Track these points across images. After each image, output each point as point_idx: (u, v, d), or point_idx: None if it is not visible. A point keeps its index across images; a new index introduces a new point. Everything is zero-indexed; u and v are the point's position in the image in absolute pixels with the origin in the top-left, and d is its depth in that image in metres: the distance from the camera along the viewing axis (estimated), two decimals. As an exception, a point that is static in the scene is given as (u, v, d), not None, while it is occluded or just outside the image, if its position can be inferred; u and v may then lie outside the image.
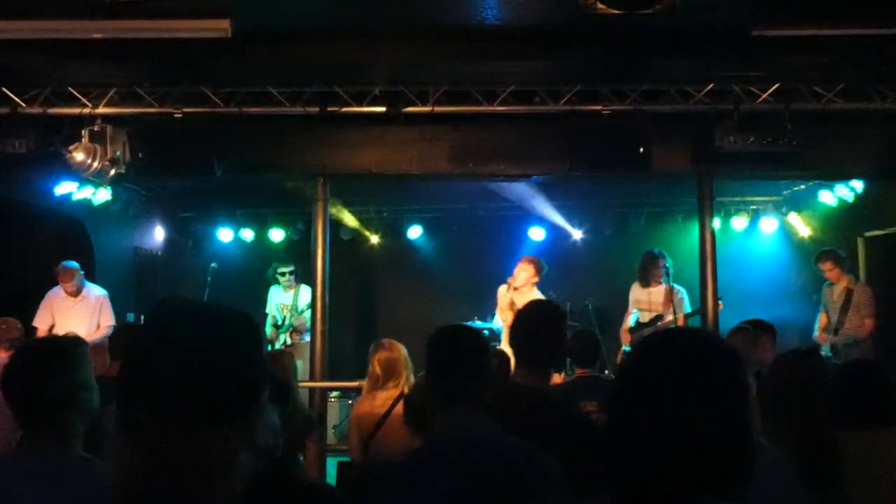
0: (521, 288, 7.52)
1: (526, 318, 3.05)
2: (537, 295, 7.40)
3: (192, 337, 1.21)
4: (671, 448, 1.22)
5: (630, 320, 8.01)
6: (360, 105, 6.82)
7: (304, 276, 8.48)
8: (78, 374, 2.28)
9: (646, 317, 7.80)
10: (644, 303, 7.88)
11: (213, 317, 1.27)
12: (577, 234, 10.52)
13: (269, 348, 8.88)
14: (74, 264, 7.38)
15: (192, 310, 1.30)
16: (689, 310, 7.74)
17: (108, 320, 7.45)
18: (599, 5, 4.39)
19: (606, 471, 1.31)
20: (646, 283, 7.88)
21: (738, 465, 1.25)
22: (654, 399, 1.26)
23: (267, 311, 9.20)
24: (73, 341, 2.44)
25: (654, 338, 1.41)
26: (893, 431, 2.75)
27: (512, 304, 7.33)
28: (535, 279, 7.56)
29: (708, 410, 1.24)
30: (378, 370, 4.56)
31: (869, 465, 2.67)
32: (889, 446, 2.70)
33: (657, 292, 7.80)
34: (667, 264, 7.76)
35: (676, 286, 7.79)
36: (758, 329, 5.13)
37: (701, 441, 1.22)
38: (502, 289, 7.72)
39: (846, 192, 8.42)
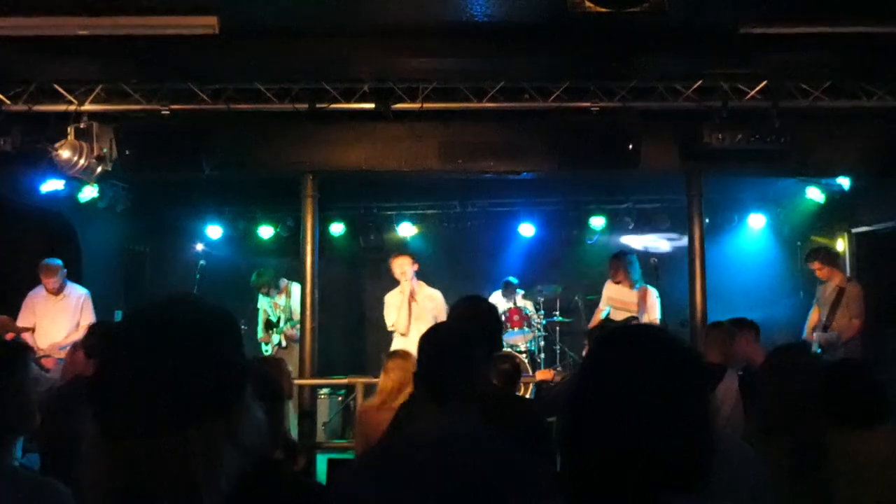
0: (411, 281, 7.11)
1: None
2: (431, 287, 7.19)
3: (167, 337, 1.17)
4: (630, 446, 1.21)
5: (602, 315, 8.06)
6: (349, 102, 6.81)
7: (293, 273, 8.40)
8: (12, 382, 2.15)
9: (619, 315, 7.81)
10: (617, 300, 7.93)
11: (190, 315, 1.23)
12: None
13: (265, 348, 8.79)
14: (58, 262, 7.22)
15: (167, 309, 1.25)
16: (660, 311, 7.77)
17: (88, 320, 7.22)
18: (587, 3, 4.40)
19: (562, 470, 1.29)
20: (616, 281, 7.96)
21: (698, 463, 1.24)
22: (612, 396, 1.25)
23: (259, 306, 8.95)
24: (15, 349, 2.31)
25: (614, 334, 1.39)
26: (879, 431, 2.75)
27: (412, 296, 7.02)
28: (416, 267, 7.15)
29: (667, 408, 1.23)
30: (392, 384, 4.38)
31: (855, 464, 2.68)
32: (875, 446, 2.71)
33: (629, 293, 7.84)
34: (632, 262, 7.82)
35: (650, 287, 7.83)
36: (735, 326, 4.98)
37: (660, 438, 1.21)
38: (394, 295, 7.15)
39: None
